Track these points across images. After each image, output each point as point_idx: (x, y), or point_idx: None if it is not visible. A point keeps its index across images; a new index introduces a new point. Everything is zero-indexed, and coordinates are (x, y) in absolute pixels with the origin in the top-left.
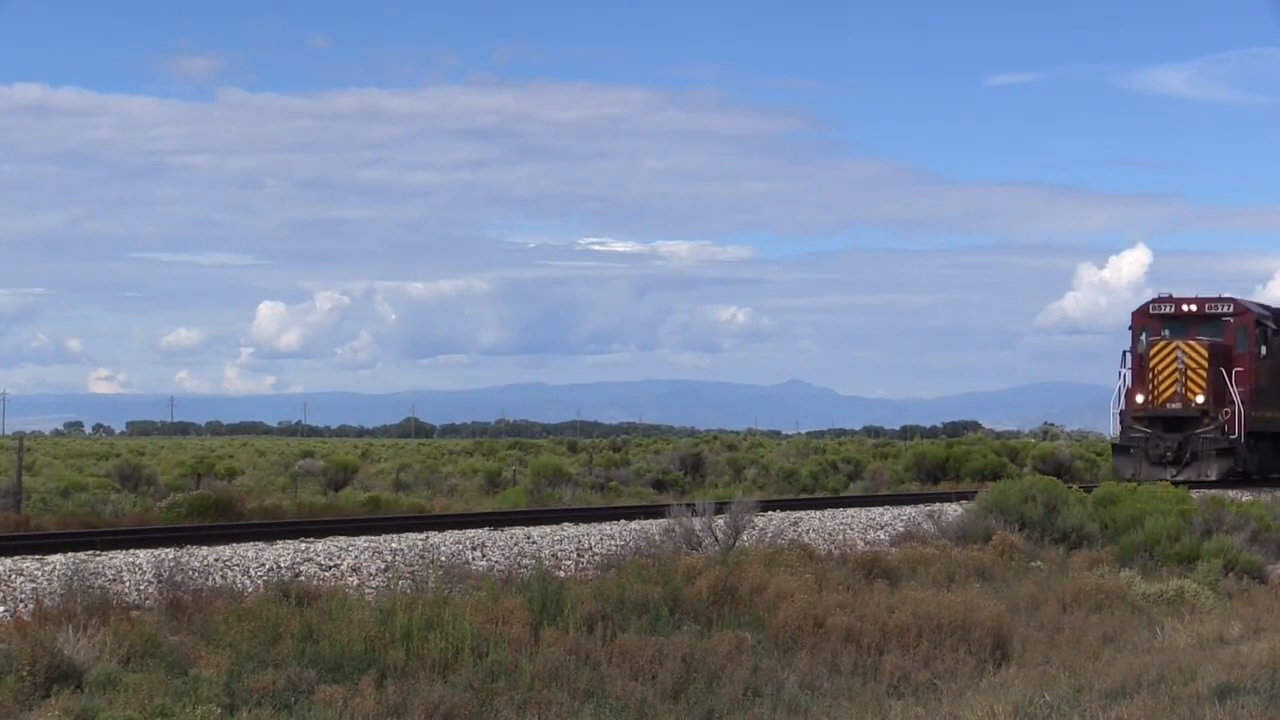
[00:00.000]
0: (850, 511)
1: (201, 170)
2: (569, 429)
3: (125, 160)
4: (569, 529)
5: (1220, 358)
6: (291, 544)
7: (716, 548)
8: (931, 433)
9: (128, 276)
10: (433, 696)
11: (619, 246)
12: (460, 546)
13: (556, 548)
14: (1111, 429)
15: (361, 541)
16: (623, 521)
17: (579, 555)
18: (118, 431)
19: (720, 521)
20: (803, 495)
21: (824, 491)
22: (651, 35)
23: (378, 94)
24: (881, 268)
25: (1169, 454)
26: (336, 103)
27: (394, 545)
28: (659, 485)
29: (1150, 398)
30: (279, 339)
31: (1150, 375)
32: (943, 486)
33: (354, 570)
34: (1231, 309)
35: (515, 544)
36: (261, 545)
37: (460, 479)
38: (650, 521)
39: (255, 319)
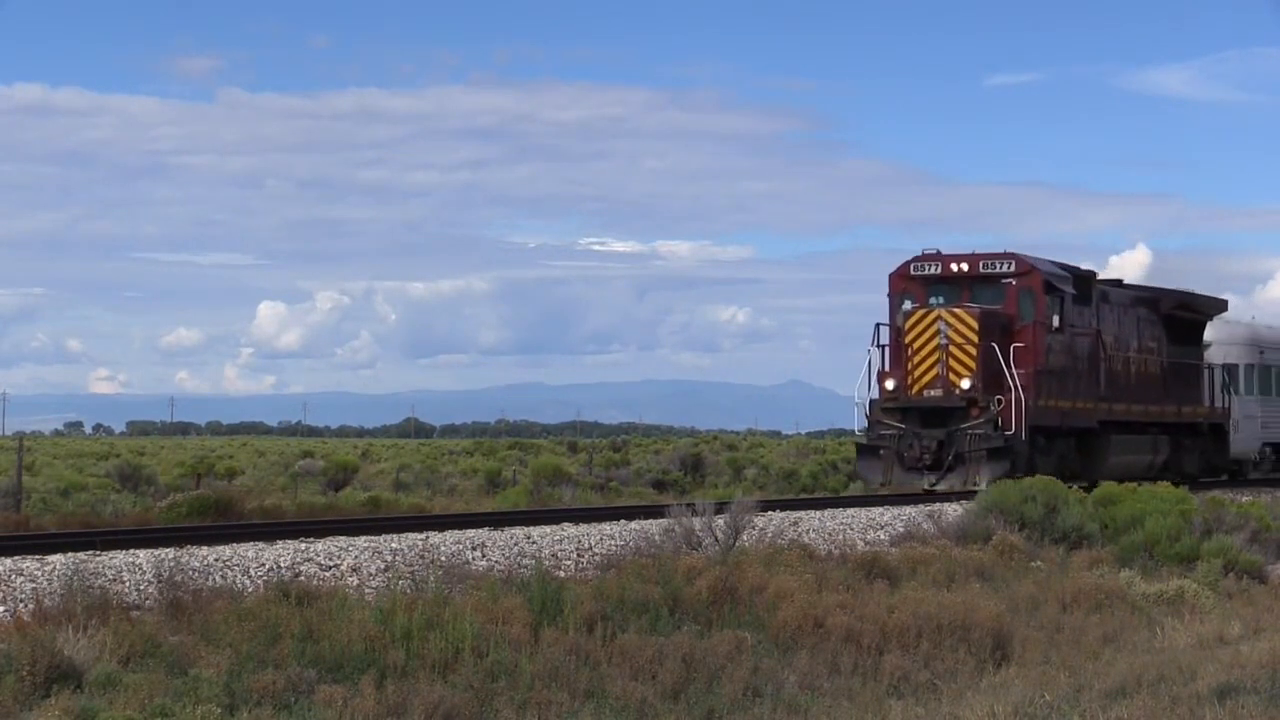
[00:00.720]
0: (850, 511)
1: (201, 170)
2: (569, 429)
3: (125, 160)
4: (569, 529)
5: (995, 330)
6: (291, 544)
7: (716, 548)
8: None
9: (128, 276)
10: (433, 696)
11: (619, 246)
12: (460, 546)
13: (556, 548)
14: (856, 424)
15: (361, 541)
16: (623, 521)
17: (579, 555)
18: (118, 431)
19: (720, 521)
20: (803, 495)
21: (824, 491)
22: (651, 35)
23: (378, 94)
24: (881, 268)
25: (927, 456)
26: (336, 103)
27: (394, 545)
28: (659, 485)
29: (904, 383)
30: (279, 339)
31: (906, 354)
32: None
33: (354, 570)
34: (1013, 267)
35: (515, 544)
36: (261, 545)
37: (460, 479)
38: (650, 521)
39: (255, 319)
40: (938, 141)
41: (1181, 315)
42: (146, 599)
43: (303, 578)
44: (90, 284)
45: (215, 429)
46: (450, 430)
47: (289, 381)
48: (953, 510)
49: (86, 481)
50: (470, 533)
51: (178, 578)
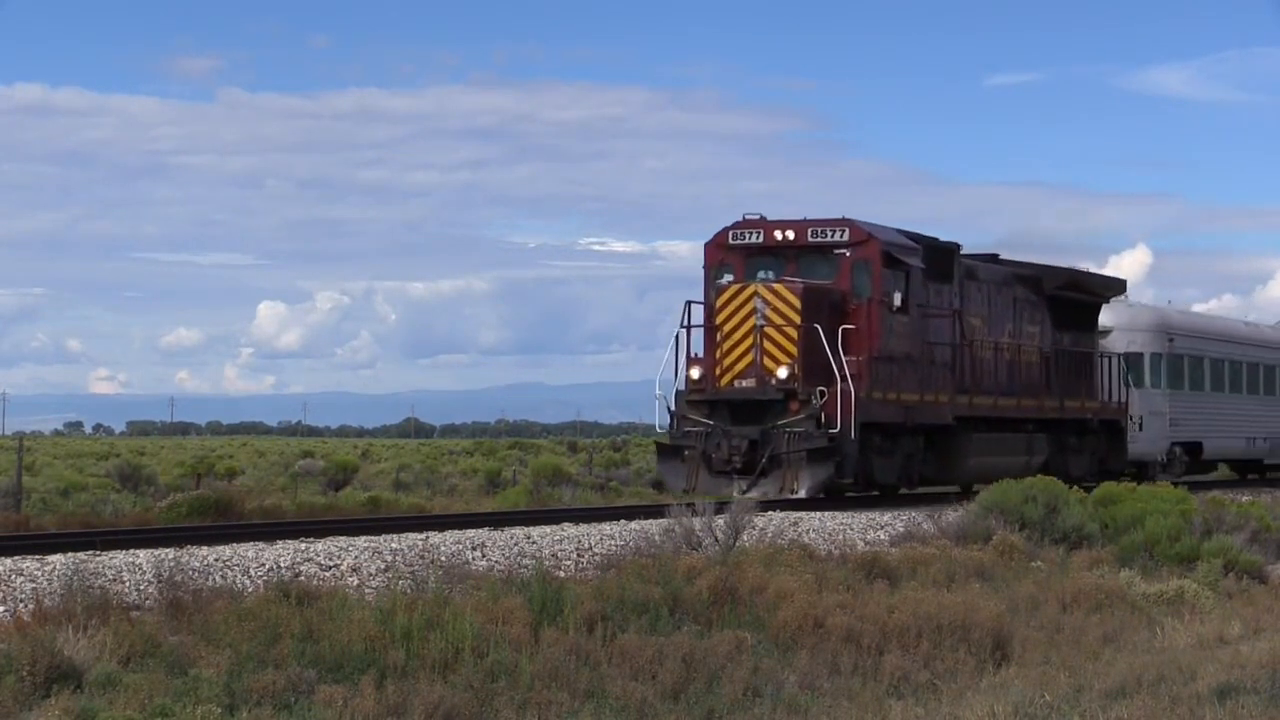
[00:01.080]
0: (850, 511)
1: (201, 170)
2: (569, 429)
3: (125, 160)
4: (569, 529)
5: (822, 309)
6: (291, 544)
7: (716, 548)
8: None
9: (128, 276)
10: (433, 696)
11: (619, 246)
12: (460, 546)
13: (556, 548)
14: (658, 420)
15: (361, 541)
16: (623, 521)
17: (579, 555)
18: (118, 431)
19: (720, 522)
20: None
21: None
22: (651, 35)
23: (378, 94)
24: None
25: (737, 458)
26: (336, 103)
27: (394, 545)
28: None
29: (713, 372)
30: (279, 339)
31: (717, 337)
32: None
33: (354, 570)
34: (846, 235)
35: (515, 544)
36: (261, 545)
37: (460, 479)
38: (650, 521)
39: (255, 319)
40: (938, 141)
41: (1070, 297)
42: (146, 599)
43: (303, 578)
44: (90, 284)
45: (215, 429)
46: (450, 430)
47: (289, 381)
48: (953, 510)
49: (86, 481)
50: (470, 533)
51: (178, 578)
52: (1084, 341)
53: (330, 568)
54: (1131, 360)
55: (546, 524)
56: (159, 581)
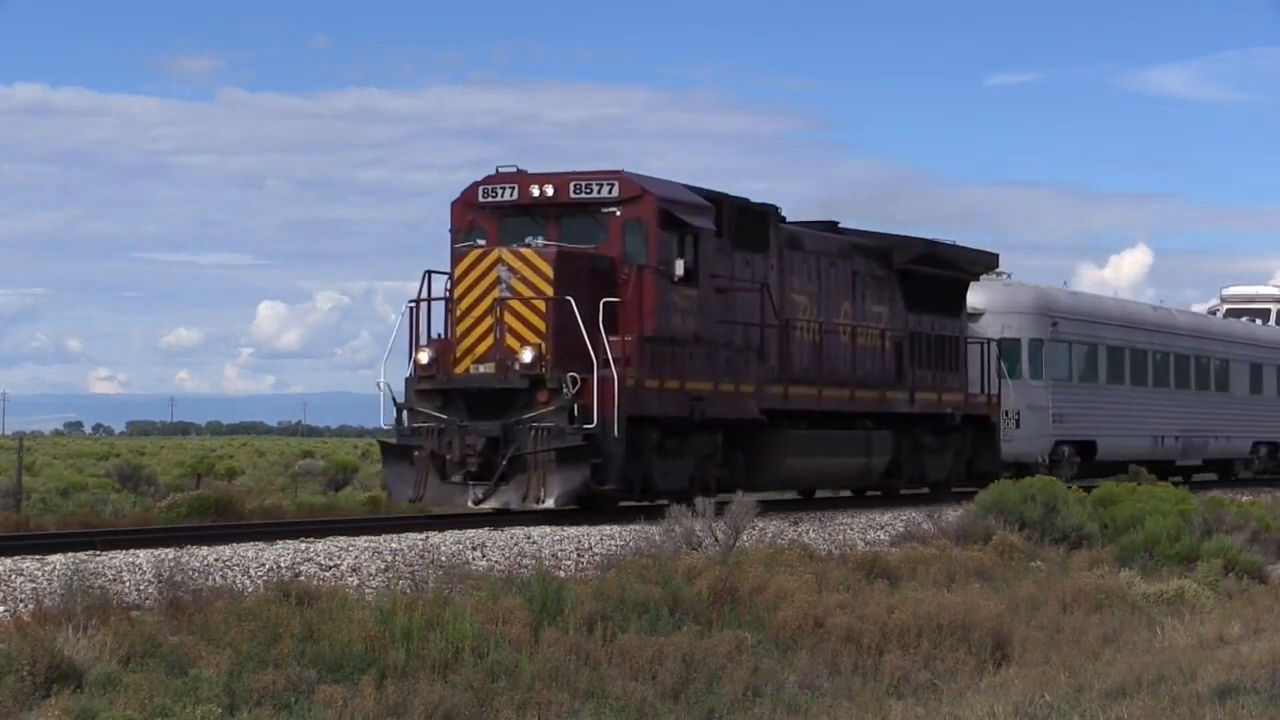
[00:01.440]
0: (850, 511)
1: (201, 170)
2: None
3: (125, 160)
4: (569, 529)
5: (581, 278)
6: (291, 544)
7: (716, 548)
8: None
9: (128, 276)
10: (433, 696)
11: None
12: (460, 546)
13: (556, 548)
14: (382, 416)
15: (361, 541)
16: (623, 522)
17: (579, 555)
18: (118, 431)
19: (720, 522)
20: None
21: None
22: (651, 35)
23: (378, 94)
24: None
25: (472, 460)
26: (336, 103)
27: (394, 545)
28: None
29: (447, 355)
30: (279, 339)
31: (454, 314)
32: None
33: (354, 570)
34: (616, 190)
35: (515, 544)
36: (261, 545)
37: None
38: (650, 522)
39: (255, 319)
40: (938, 141)
41: (927, 273)
42: (146, 599)
43: (303, 578)
44: (90, 284)
45: (215, 429)
46: None
47: (289, 381)
48: (952, 510)
49: (86, 481)
50: (470, 533)
51: (178, 578)
52: (947, 325)
53: (330, 568)
54: (1007, 347)
55: (547, 524)
56: (159, 581)
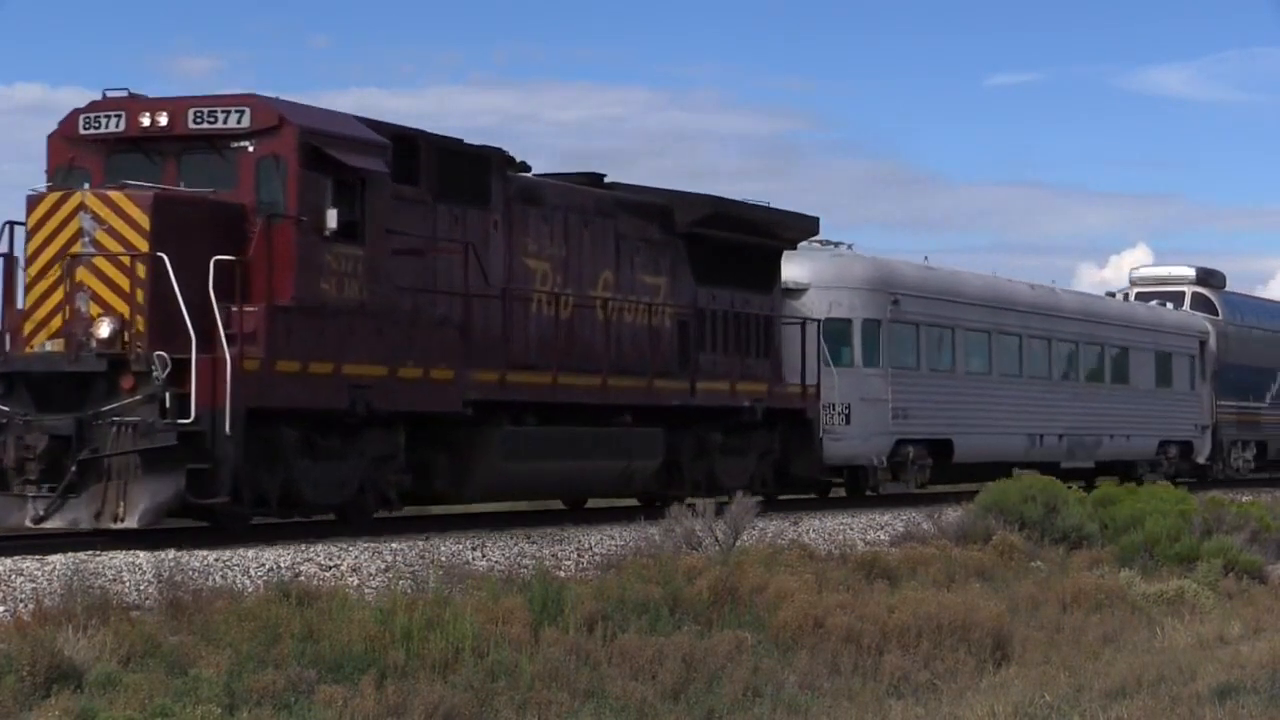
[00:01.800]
0: (850, 511)
1: None
2: None
3: None
4: (569, 529)
5: (189, 229)
6: (291, 544)
7: (716, 548)
8: None
9: None
10: (433, 696)
11: None
12: (460, 546)
13: (556, 548)
14: None
15: (361, 541)
16: (623, 522)
17: (579, 555)
18: None
19: (720, 522)
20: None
21: None
22: (651, 35)
23: (378, 94)
24: None
25: (32, 464)
26: (336, 103)
27: (394, 545)
28: None
29: (16, 328)
30: None
31: (27, 276)
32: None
33: (354, 570)
34: (247, 120)
35: (515, 544)
36: (261, 545)
37: None
38: (650, 522)
39: None
40: (938, 141)
41: (723, 238)
42: (146, 599)
43: (303, 578)
44: None
45: None
46: None
47: None
48: (952, 510)
49: None
50: (470, 533)
51: (178, 578)
52: (753, 302)
53: (330, 568)
54: (835, 329)
55: (546, 524)
56: (159, 581)
